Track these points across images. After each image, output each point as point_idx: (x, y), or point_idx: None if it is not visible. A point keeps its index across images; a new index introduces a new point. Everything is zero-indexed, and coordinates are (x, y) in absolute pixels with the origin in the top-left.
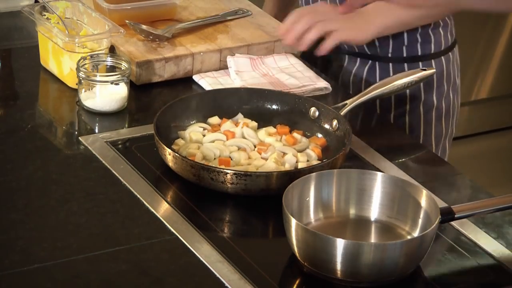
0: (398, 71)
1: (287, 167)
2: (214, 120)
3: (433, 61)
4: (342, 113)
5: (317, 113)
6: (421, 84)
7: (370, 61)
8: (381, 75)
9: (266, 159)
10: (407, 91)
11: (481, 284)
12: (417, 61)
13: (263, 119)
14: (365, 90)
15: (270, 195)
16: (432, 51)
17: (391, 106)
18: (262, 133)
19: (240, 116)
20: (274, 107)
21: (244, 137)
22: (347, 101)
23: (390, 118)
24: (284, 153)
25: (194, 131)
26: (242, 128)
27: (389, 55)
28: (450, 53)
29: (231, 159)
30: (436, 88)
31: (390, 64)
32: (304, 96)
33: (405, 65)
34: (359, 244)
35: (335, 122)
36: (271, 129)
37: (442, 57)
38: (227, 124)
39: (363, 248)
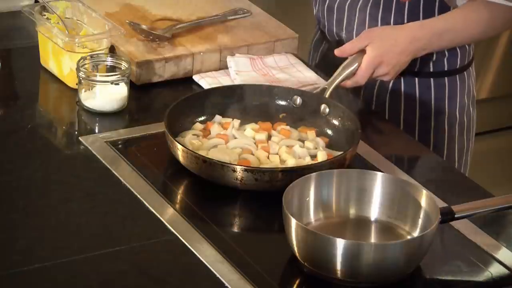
0: (425, 86)
1: (308, 159)
2: (198, 126)
3: (457, 76)
4: (326, 96)
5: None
6: (446, 98)
7: None
8: (406, 90)
9: (276, 154)
10: (432, 105)
11: (481, 284)
12: (443, 76)
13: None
14: (339, 72)
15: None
16: (458, 66)
17: (415, 122)
18: (249, 131)
19: (218, 117)
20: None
21: (235, 138)
22: (326, 85)
23: (415, 134)
24: (290, 145)
25: (191, 139)
26: (232, 130)
27: (416, 69)
28: (470, 67)
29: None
30: (459, 102)
31: (416, 79)
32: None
33: (431, 80)
34: (359, 244)
35: (323, 106)
36: (253, 125)
37: (465, 72)
38: (216, 128)
39: (363, 248)
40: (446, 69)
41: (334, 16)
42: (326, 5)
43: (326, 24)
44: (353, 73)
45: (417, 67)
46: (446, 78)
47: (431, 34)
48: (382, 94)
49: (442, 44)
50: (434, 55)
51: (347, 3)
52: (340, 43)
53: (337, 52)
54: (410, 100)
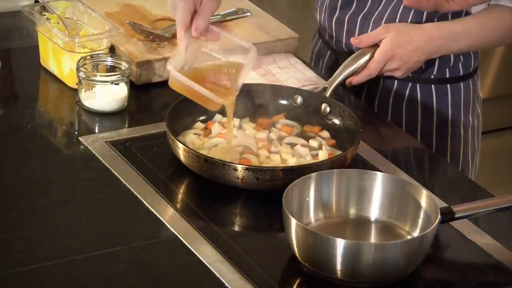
0: (441, 92)
1: (309, 159)
2: (199, 125)
3: (470, 79)
4: (327, 95)
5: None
6: (461, 103)
7: (410, 83)
8: (422, 97)
9: (277, 152)
10: (449, 114)
11: (481, 284)
12: (458, 81)
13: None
14: (340, 71)
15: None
16: (471, 70)
17: (432, 129)
18: (250, 130)
19: (218, 116)
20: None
21: (236, 137)
22: (327, 84)
23: (433, 142)
24: (292, 144)
25: (193, 139)
26: (233, 129)
27: (432, 76)
28: (478, 70)
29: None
30: (471, 105)
31: (433, 86)
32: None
33: (448, 86)
34: (359, 244)
35: (323, 105)
36: (253, 125)
37: (475, 75)
38: (217, 127)
39: (363, 248)
40: (461, 73)
41: (344, 27)
42: (335, 17)
43: (334, 34)
44: (353, 73)
45: (433, 74)
46: (461, 83)
47: (447, 36)
48: (398, 103)
49: (458, 47)
50: (451, 61)
51: (360, 16)
52: (349, 54)
53: (354, 41)
54: (427, 108)
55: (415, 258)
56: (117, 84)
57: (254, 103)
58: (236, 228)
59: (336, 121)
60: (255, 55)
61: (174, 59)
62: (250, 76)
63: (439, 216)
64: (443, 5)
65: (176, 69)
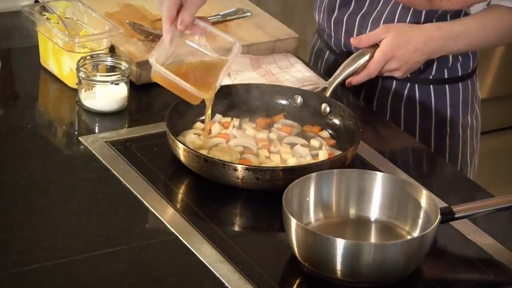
0: (440, 92)
1: (309, 159)
2: (199, 125)
3: (469, 80)
4: (327, 95)
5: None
6: (460, 104)
7: (408, 83)
8: (421, 97)
9: (277, 152)
10: (448, 115)
11: (481, 284)
12: (457, 82)
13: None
14: (340, 71)
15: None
16: (470, 70)
17: (431, 130)
18: (250, 130)
19: (218, 116)
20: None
21: (235, 137)
22: (326, 84)
23: (431, 142)
24: (292, 144)
25: (193, 139)
26: (233, 129)
27: (430, 77)
28: (477, 70)
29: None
30: (470, 106)
31: (431, 86)
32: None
33: (446, 86)
34: (359, 244)
35: (323, 105)
36: (252, 125)
37: (474, 75)
38: (217, 127)
39: (363, 248)
40: (460, 74)
41: (343, 27)
42: (333, 16)
43: (332, 34)
44: (353, 73)
45: (432, 75)
46: (460, 84)
47: (447, 36)
48: (397, 103)
49: (457, 47)
50: (450, 61)
51: (359, 16)
52: (348, 54)
53: (353, 41)
54: (425, 108)
55: (415, 258)
56: (117, 84)
57: (254, 103)
58: (236, 228)
59: (336, 121)
60: (239, 51)
61: (156, 52)
62: (250, 76)
63: (439, 216)
64: (435, 3)
65: (158, 61)
